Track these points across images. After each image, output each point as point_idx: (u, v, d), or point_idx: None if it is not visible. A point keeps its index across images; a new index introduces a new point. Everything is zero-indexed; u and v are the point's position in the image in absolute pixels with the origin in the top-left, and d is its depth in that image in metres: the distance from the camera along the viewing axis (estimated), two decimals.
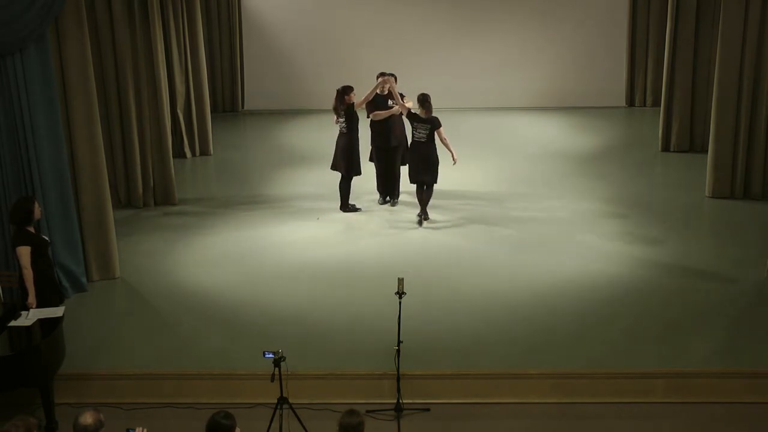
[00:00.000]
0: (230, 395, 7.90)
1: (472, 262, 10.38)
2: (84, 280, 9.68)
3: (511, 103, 17.81)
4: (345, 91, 11.61)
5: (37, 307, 7.88)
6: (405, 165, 11.94)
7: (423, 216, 11.51)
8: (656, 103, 16.60)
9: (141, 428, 5.79)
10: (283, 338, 8.29)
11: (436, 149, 11.41)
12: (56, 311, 7.82)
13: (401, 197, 12.19)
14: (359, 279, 9.98)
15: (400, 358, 7.59)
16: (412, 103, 11.61)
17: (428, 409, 7.79)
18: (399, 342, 7.56)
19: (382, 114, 11.74)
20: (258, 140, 16.35)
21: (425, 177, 11.43)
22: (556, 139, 15.69)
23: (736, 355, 8.28)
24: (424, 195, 11.51)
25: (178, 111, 14.39)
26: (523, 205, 12.21)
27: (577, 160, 14.33)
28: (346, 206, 11.93)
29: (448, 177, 11.96)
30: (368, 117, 11.88)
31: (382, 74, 11.90)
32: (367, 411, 7.55)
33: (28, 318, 7.72)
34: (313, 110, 17.25)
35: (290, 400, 7.14)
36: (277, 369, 6.89)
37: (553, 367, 8.09)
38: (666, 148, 14.55)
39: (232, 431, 5.63)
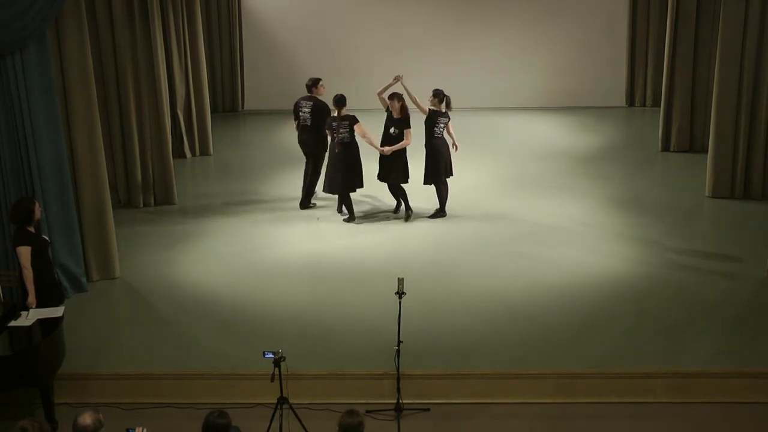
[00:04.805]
0: (230, 395, 7.90)
1: (472, 262, 10.38)
2: (84, 280, 9.68)
3: (511, 103, 17.84)
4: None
5: (37, 307, 7.88)
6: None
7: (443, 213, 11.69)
8: (656, 103, 16.63)
9: (141, 428, 5.79)
10: (283, 338, 8.29)
11: None
12: (56, 311, 7.82)
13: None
14: (359, 279, 9.97)
15: (400, 358, 7.58)
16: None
17: (428, 409, 7.79)
18: (399, 342, 7.56)
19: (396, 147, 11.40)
20: (258, 140, 16.36)
21: (450, 172, 11.60)
22: (556, 139, 15.70)
23: (736, 355, 8.28)
24: (445, 190, 11.64)
25: (178, 111, 14.40)
26: (523, 204, 12.21)
27: (577, 160, 14.34)
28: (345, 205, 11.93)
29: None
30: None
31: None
32: (367, 411, 7.55)
33: (28, 318, 7.71)
34: None
35: (290, 400, 7.14)
36: (277, 369, 6.89)
37: (552, 367, 8.09)
38: (666, 148, 14.56)
39: (228, 429, 5.65)
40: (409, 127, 11.34)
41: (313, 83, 12.06)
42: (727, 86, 12.02)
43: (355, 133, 11.37)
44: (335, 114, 11.46)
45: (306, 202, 12.24)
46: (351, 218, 11.68)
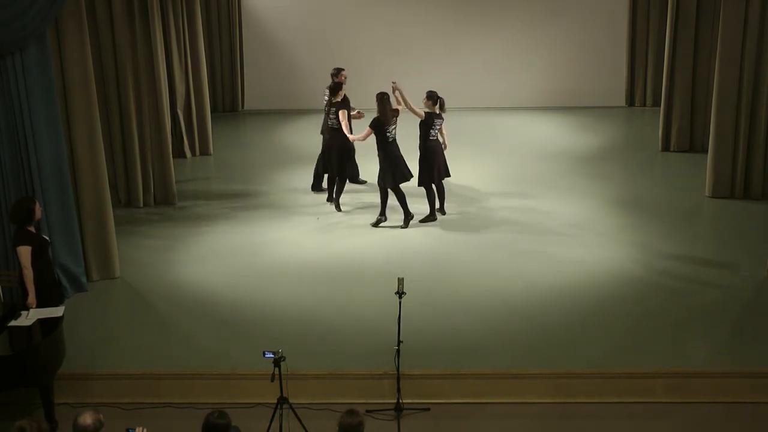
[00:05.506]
0: (230, 395, 7.90)
1: (472, 262, 10.38)
2: (84, 280, 9.68)
3: (511, 103, 17.82)
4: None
5: (37, 307, 7.88)
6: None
7: (443, 212, 11.78)
8: (656, 103, 16.61)
9: (141, 428, 5.79)
10: (283, 338, 8.29)
11: None
12: (56, 311, 7.82)
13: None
14: (359, 279, 9.98)
15: (400, 358, 7.58)
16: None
17: (428, 409, 7.79)
18: (399, 342, 7.56)
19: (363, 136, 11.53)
20: (258, 140, 16.36)
21: (446, 173, 11.66)
22: (556, 139, 15.69)
23: (736, 355, 8.29)
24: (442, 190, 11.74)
25: (178, 111, 14.40)
26: (523, 204, 12.21)
27: (577, 160, 14.33)
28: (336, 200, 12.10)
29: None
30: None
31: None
32: (367, 411, 7.55)
33: (28, 318, 7.71)
34: (313, 110, 17.22)
35: (290, 400, 7.14)
36: (277, 369, 6.89)
37: (552, 367, 8.09)
38: (666, 148, 14.56)
39: (228, 429, 5.65)
40: (370, 128, 11.25)
41: (336, 72, 12.40)
42: (727, 86, 12.01)
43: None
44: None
45: (318, 185, 12.76)
46: (329, 198, 12.17)
